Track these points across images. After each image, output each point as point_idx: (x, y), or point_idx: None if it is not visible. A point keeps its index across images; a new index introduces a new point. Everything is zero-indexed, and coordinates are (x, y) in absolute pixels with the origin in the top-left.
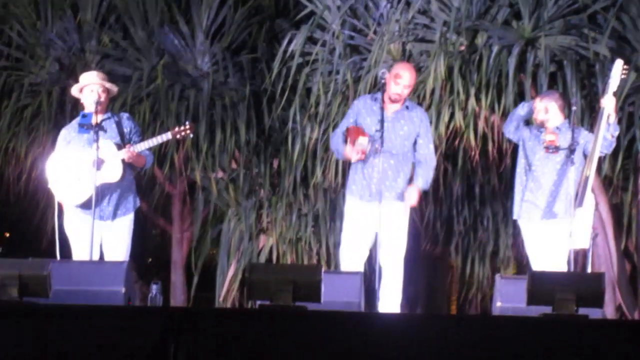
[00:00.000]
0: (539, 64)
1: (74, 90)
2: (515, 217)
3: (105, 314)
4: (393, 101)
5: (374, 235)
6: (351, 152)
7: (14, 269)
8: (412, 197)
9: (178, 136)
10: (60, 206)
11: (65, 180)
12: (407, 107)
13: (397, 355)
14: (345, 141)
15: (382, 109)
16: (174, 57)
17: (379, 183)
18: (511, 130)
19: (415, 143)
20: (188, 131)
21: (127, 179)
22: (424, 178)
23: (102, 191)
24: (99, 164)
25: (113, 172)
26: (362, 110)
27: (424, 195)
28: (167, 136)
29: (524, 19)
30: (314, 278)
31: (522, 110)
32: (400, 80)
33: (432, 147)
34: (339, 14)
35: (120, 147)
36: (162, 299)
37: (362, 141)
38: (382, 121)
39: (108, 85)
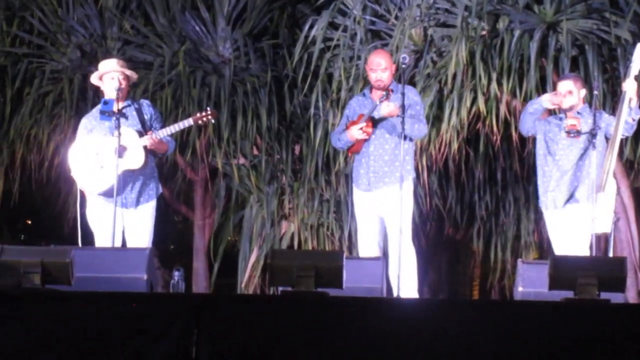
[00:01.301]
0: (561, 48)
1: (94, 79)
2: (542, 208)
3: (127, 301)
4: (378, 89)
5: (378, 219)
6: (355, 131)
7: (37, 257)
8: (388, 106)
9: (200, 122)
10: (82, 194)
11: (88, 169)
12: (392, 91)
13: (419, 340)
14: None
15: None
16: (196, 43)
17: (378, 170)
18: (528, 127)
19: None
20: (210, 117)
21: (149, 165)
22: (411, 121)
23: (125, 178)
24: (121, 151)
25: (136, 159)
26: (356, 108)
27: (446, 180)
28: (189, 122)
29: (546, 3)
30: (335, 264)
31: (531, 107)
32: (374, 66)
33: (422, 118)
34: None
35: (141, 134)
36: (184, 286)
37: (362, 122)
38: (403, 107)
39: (128, 72)
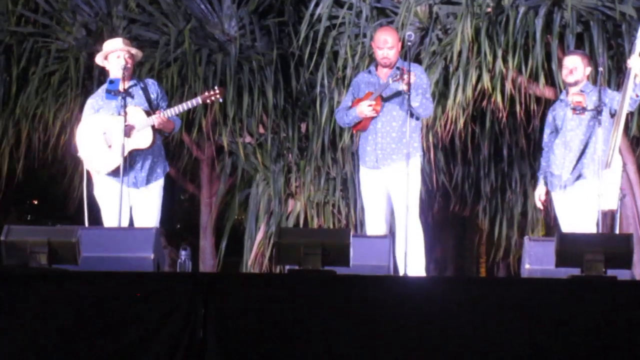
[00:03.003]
0: (566, 25)
1: (99, 59)
2: (549, 187)
3: (134, 280)
4: (385, 66)
5: (385, 196)
6: (365, 108)
7: (43, 236)
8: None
9: (208, 101)
10: (89, 174)
11: (95, 148)
12: (397, 68)
13: (427, 317)
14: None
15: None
16: (201, 21)
17: (385, 148)
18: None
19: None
20: (218, 96)
21: (157, 144)
22: (420, 98)
23: (134, 158)
24: (129, 130)
25: (144, 139)
26: (361, 85)
27: (452, 157)
28: (197, 101)
29: None
30: (342, 242)
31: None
32: (380, 44)
33: (429, 96)
34: None
35: (148, 113)
36: (191, 265)
37: (370, 99)
38: (409, 84)
39: (134, 50)
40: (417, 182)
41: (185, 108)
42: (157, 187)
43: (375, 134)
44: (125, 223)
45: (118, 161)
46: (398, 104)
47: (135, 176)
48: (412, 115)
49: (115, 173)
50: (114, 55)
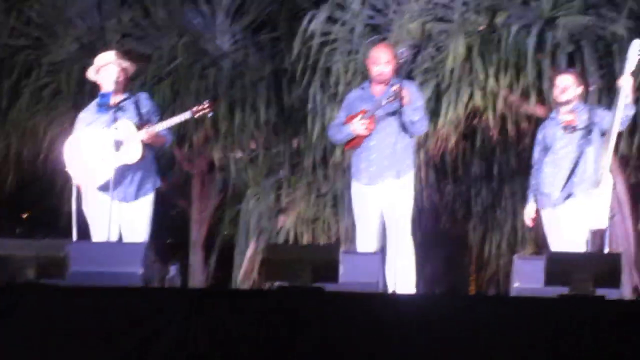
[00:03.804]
0: (558, 44)
1: (91, 73)
2: (538, 206)
3: (123, 296)
4: (380, 82)
5: (379, 213)
6: (358, 126)
7: (31, 250)
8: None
9: (197, 115)
10: (78, 188)
11: (85, 162)
12: (392, 85)
13: (416, 335)
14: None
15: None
16: (194, 36)
17: (379, 165)
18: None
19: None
20: (207, 109)
21: (147, 159)
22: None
23: (123, 172)
24: (118, 144)
25: (133, 153)
26: (354, 102)
27: (442, 174)
28: (186, 115)
29: None
30: (332, 258)
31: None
32: (375, 60)
33: (424, 113)
34: None
35: (139, 127)
36: (180, 280)
37: (363, 117)
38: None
39: (126, 64)
40: (410, 199)
41: (175, 122)
42: (146, 201)
43: (368, 150)
44: (114, 238)
45: (107, 175)
46: (392, 121)
47: (124, 190)
48: (405, 131)
49: (104, 187)
50: (106, 68)
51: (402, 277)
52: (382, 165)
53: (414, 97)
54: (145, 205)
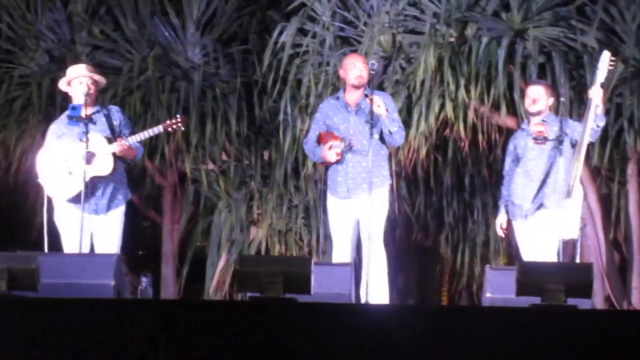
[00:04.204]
0: (528, 55)
1: (62, 84)
2: (510, 217)
3: (95, 308)
4: (358, 86)
5: (354, 224)
6: (328, 154)
7: (2, 263)
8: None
9: (170, 129)
10: (49, 200)
11: (56, 175)
12: (366, 95)
13: (388, 346)
14: (319, 144)
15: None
16: (165, 48)
17: (356, 177)
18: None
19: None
20: (180, 124)
21: (118, 171)
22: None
23: (95, 185)
24: (90, 157)
25: (105, 166)
26: (328, 112)
27: (414, 186)
28: (158, 129)
29: (513, 11)
30: (304, 270)
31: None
32: (352, 65)
33: (401, 124)
34: (329, 6)
35: (110, 140)
36: (152, 291)
37: (337, 144)
38: (372, 112)
39: (97, 77)
40: (385, 211)
41: (147, 136)
42: (118, 214)
43: (345, 164)
44: (86, 250)
45: (78, 188)
46: (367, 133)
47: (96, 203)
48: (383, 142)
49: (75, 199)
50: (77, 81)
51: (374, 288)
52: (359, 177)
53: (391, 109)
54: (116, 218)
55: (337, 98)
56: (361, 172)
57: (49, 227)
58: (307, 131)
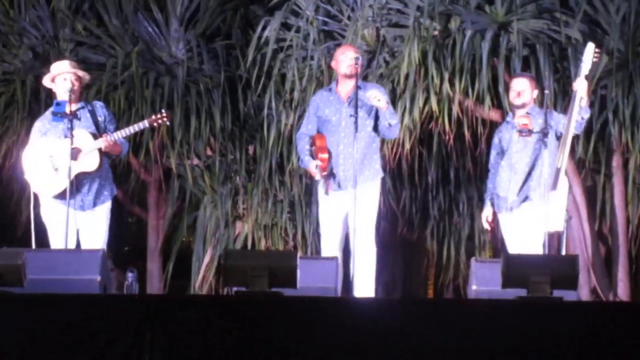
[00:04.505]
0: (512, 48)
1: (46, 81)
2: (495, 210)
3: (80, 303)
4: (349, 76)
5: (344, 218)
6: (313, 168)
7: None
8: (379, 99)
9: (155, 124)
10: (36, 197)
11: (42, 171)
12: (359, 87)
13: (374, 339)
14: (311, 146)
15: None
16: (148, 44)
17: (349, 170)
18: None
19: (377, 118)
20: (165, 119)
21: (104, 167)
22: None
23: (81, 181)
24: (75, 153)
25: (90, 162)
26: (320, 104)
27: (399, 180)
28: (143, 124)
29: (497, 4)
30: (289, 264)
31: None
32: (344, 54)
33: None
34: (312, 0)
35: (95, 136)
36: (138, 287)
37: (322, 163)
38: (355, 107)
39: (81, 73)
40: (376, 205)
41: (132, 131)
42: (103, 210)
43: (337, 156)
44: (72, 246)
45: (64, 184)
46: (360, 125)
47: (82, 199)
48: (376, 131)
49: (61, 196)
50: (61, 77)
51: (363, 281)
52: (352, 169)
53: (388, 100)
54: (102, 214)
55: (330, 90)
56: (354, 164)
57: (35, 223)
58: (299, 125)
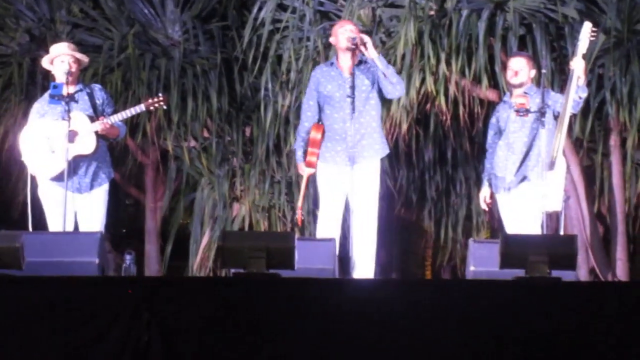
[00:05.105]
0: (509, 27)
1: (45, 62)
2: (493, 190)
3: (79, 285)
4: (349, 49)
5: (344, 197)
6: (303, 170)
7: None
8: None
9: (151, 108)
10: (33, 178)
11: (39, 153)
12: (360, 61)
13: (372, 320)
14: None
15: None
16: (144, 26)
17: (355, 146)
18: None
19: (380, 85)
20: (161, 103)
21: (101, 150)
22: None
23: (78, 163)
24: (72, 136)
25: (87, 145)
26: (321, 80)
27: (396, 160)
28: (140, 108)
29: None
30: (287, 245)
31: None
32: (346, 27)
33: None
34: None
35: (92, 118)
36: (136, 269)
37: (309, 170)
38: (352, 87)
39: (79, 55)
40: (377, 183)
41: (129, 115)
42: (100, 192)
43: (343, 132)
44: (70, 228)
45: (61, 166)
46: (364, 100)
47: (79, 182)
48: (373, 111)
49: (58, 178)
50: (59, 59)
51: (364, 260)
52: (359, 145)
53: (384, 64)
54: (99, 196)
55: (332, 64)
56: (362, 140)
57: (33, 205)
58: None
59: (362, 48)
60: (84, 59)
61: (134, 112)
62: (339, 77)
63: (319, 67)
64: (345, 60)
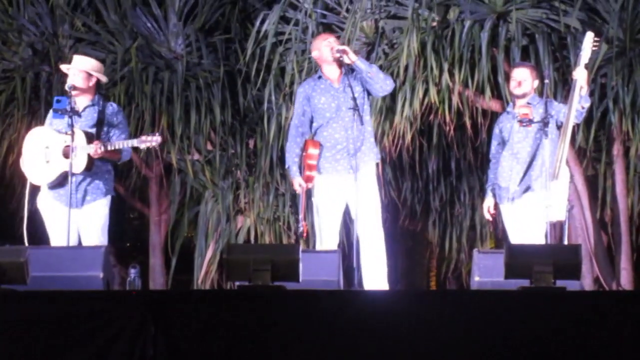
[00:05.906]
0: (511, 38)
1: (64, 69)
2: (497, 201)
3: (84, 299)
4: (335, 60)
5: (344, 207)
6: (296, 185)
7: None
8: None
9: (144, 145)
10: (32, 192)
11: (35, 160)
12: (345, 73)
13: (377, 331)
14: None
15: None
16: (147, 39)
17: (349, 153)
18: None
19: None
20: (157, 142)
21: (98, 167)
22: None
23: (69, 178)
24: (68, 152)
25: (78, 163)
26: (312, 94)
27: (400, 171)
28: (132, 143)
29: None
30: (292, 257)
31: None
32: (329, 39)
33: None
34: None
35: (91, 139)
36: (140, 283)
37: (306, 185)
38: (354, 98)
39: (90, 71)
40: (377, 189)
41: (121, 146)
42: (94, 207)
43: (335, 141)
44: (73, 242)
45: (51, 177)
46: (360, 107)
47: (73, 197)
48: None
49: (53, 189)
50: (70, 72)
51: (376, 271)
52: (360, 151)
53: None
54: (93, 212)
55: (319, 77)
56: (354, 148)
57: (32, 219)
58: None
59: (344, 56)
60: (99, 76)
61: (127, 145)
62: (330, 88)
63: (305, 82)
64: (332, 72)
